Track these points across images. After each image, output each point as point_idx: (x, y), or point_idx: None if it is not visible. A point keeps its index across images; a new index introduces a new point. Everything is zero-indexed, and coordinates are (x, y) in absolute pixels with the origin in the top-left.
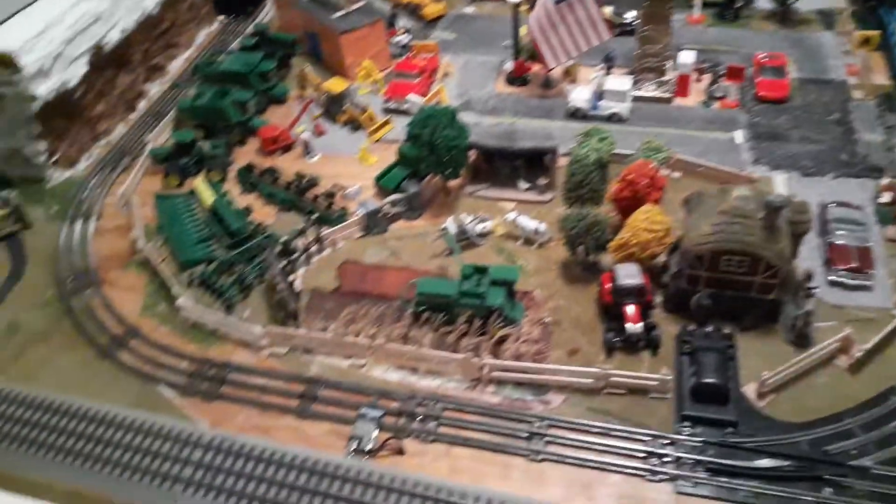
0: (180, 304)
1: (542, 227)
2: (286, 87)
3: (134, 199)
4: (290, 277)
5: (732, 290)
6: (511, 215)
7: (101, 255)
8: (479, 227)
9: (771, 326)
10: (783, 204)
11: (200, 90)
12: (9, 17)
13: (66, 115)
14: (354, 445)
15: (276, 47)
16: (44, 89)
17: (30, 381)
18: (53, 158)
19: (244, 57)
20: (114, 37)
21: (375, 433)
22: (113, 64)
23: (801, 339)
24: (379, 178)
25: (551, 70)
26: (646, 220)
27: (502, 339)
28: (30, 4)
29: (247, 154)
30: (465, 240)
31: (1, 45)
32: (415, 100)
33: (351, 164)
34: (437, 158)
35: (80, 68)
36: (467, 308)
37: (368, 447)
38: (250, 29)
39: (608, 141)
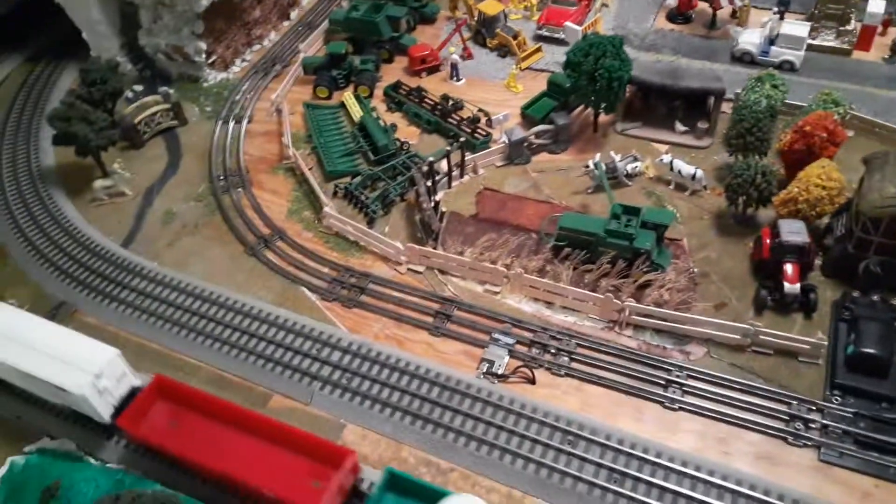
0: (326, 212)
1: (700, 173)
2: (437, 6)
3: (284, 106)
4: (434, 198)
5: None
6: (666, 157)
7: (251, 156)
8: (630, 167)
9: None
10: None
11: (355, 2)
12: None
13: (225, 18)
14: (486, 368)
15: None
16: None
17: (181, 268)
18: (211, 59)
19: None
20: None
21: (507, 359)
22: None
23: None
24: (526, 108)
25: (720, 9)
26: (820, 176)
27: (646, 284)
28: None
29: (393, 71)
30: (613, 178)
31: None
32: (573, 28)
33: (496, 91)
34: (595, 90)
35: None
36: (612, 248)
37: (500, 372)
38: None
39: (782, 88)
